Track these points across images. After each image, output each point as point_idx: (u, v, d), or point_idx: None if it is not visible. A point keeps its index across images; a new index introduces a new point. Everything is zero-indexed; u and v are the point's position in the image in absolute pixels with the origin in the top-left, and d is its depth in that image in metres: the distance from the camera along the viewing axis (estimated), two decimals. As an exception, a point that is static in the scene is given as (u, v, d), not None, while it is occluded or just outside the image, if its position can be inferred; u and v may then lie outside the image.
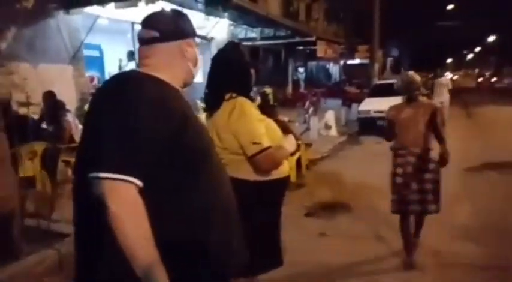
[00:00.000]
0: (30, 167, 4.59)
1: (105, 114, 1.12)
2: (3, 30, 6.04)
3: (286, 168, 2.07)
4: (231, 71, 2.01)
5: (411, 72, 3.38)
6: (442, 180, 3.19)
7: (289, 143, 2.04)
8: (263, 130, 1.91)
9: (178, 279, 1.11)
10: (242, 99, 1.95)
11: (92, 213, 1.11)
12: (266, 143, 1.88)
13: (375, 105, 9.93)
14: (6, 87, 4.22)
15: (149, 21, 1.29)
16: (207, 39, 11.32)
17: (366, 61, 18.89)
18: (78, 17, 7.62)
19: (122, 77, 1.27)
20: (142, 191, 1.09)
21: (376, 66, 15.51)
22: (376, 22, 14.73)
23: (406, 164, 3.17)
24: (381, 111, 9.22)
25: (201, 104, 9.71)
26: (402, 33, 30.68)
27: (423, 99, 3.68)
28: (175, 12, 1.36)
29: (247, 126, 1.87)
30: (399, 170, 3.19)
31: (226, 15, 10.81)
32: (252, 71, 2.08)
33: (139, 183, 1.08)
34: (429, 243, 3.53)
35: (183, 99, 1.28)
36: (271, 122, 2.06)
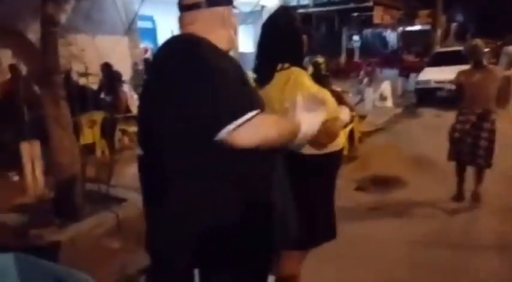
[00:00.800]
0: (90, 135, 4.84)
1: (179, 77, 1.11)
2: (62, 3, 6.25)
3: (341, 141, 1.97)
4: (281, 39, 1.86)
5: (477, 40, 3.70)
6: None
7: (344, 114, 1.91)
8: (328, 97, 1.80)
9: (238, 245, 1.15)
10: (296, 70, 1.82)
11: (161, 185, 1.17)
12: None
13: (436, 75, 9.29)
14: (66, 58, 4.43)
15: None
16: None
17: (427, 27, 17.65)
18: (132, -12, 7.75)
19: (176, 40, 1.24)
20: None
21: (439, 33, 14.46)
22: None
23: (466, 121, 3.68)
24: (442, 82, 8.65)
25: (252, 75, 9.60)
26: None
27: (491, 66, 3.93)
28: None
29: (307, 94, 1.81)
30: (458, 126, 3.73)
31: (278, -19, 10.46)
32: (305, 37, 1.92)
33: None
34: (495, 227, 3.33)
35: (235, 60, 1.26)
36: (326, 93, 1.93)
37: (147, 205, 1.28)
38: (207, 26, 1.26)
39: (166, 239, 1.19)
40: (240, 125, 1.06)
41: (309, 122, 1.27)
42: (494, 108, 3.61)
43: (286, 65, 1.82)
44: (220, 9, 1.27)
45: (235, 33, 1.35)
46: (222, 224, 1.13)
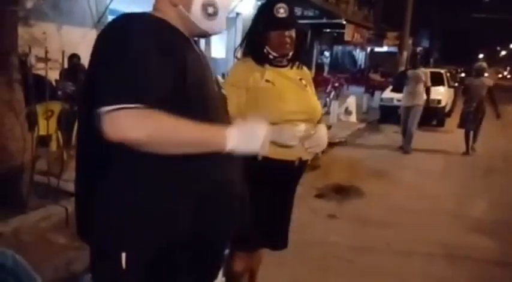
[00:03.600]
0: (46, 126, 4.61)
1: (97, 49, 1.03)
2: (30, -11, 6.02)
3: (293, 152, 1.74)
4: (249, 29, 1.91)
5: (483, 63, 7.29)
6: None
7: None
8: (231, 97, 1.46)
9: (165, 233, 1.05)
10: (239, 61, 1.89)
11: (93, 159, 1.08)
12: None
13: (399, 94, 9.63)
14: (25, 41, 4.21)
15: None
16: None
17: (394, 50, 18.31)
18: (104, -20, 7.56)
19: (121, 17, 1.11)
20: None
21: (405, 55, 15.01)
22: (409, 8, 14.18)
23: (469, 108, 6.81)
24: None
25: (221, 81, 9.58)
26: (434, 22, 29.64)
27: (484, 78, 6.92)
28: None
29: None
30: (466, 109, 6.90)
31: (254, -10, 10.56)
32: (275, 34, 1.79)
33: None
34: (443, 236, 3.48)
35: (188, 44, 1.14)
36: (283, 94, 1.78)
37: (80, 181, 1.19)
38: (161, 4, 1.14)
39: (97, 217, 1.09)
40: (116, 109, 0.91)
41: (242, 141, 1.07)
42: (484, 103, 6.79)
43: (239, 54, 1.92)
44: None
45: (187, 9, 1.12)
46: (153, 208, 1.03)
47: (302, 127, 1.73)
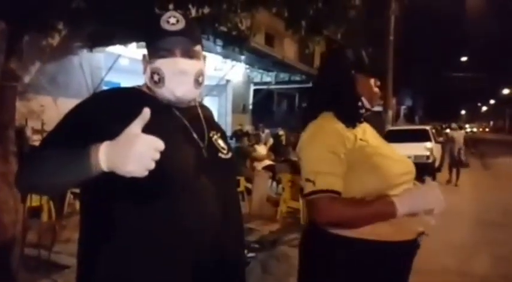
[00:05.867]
0: (37, 197, 4.56)
1: None
2: (28, 65, 6.29)
3: (412, 226, 1.34)
4: (327, 83, 1.46)
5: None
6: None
7: (408, 199, 1.28)
8: (330, 166, 1.30)
9: None
10: (321, 120, 1.40)
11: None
12: (322, 183, 1.27)
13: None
14: (22, 114, 4.32)
15: None
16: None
17: (378, 109, 18.94)
18: (100, 56, 7.94)
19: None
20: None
21: (390, 114, 15.53)
22: (390, 70, 14.95)
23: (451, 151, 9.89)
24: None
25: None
26: (416, 82, 31.02)
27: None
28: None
29: (308, 155, 1.35)
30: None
31: (243, 59, 11.13)
32: (371, 81, 1.45)
33: None
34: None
35: (161, 110, 1.11)
36: (388, 155, 1.39)
37: None
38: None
39: None
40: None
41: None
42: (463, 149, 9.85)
43: (325, 113, 1.41)
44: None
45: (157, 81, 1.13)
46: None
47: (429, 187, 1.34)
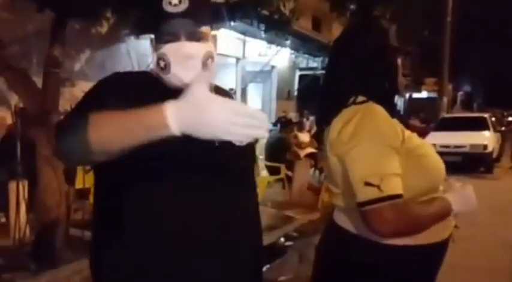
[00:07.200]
0: (82, 180, 4.76)
1: None
2: (78, 53, 6.55)
3: (446, 226, 1.21)
4: (358, 60, 1.20)
5: None
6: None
7: (460, 198, 1.20)
8: (393, 164, 1.08)
9: None
10: (371, 106, 1.15)
11: None
12: (389, 187, 1.05)
13: (442, 140, 9.25)
14: (68, 100, 4.53)
15: None
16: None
17: (433, 95, 17.99)
18: (146, 42, 8.06)
19: None
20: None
21: (445, 100, 14.67)
22: (446, 54, 14.05)
23: None
24: (448, 146, 8.62)
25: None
26: (475, 67, 29.06)
27: None
28: None
29: (365, 151, 1.08)
30: None
31: (288, 44, 10.90)
32: (399, 60, 1.26)
33: None
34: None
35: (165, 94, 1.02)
36: (431, 152, 1.22)
37: None
38: None
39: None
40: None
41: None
42: None
43: (361, 98, 1.17)
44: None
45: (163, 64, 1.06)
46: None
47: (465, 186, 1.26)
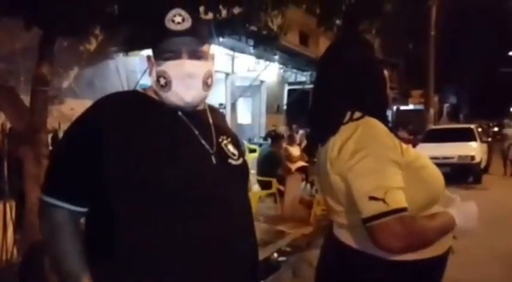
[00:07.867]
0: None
1: None
2: (66, 70, 6.52)
3: (445, 240, 1.18)
4: (346, 75, 1.21)
5: None
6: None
7: (463, 213, 1.18)
8: (397, 178, 1.07)
9: None
10: (370, 121, 1.15)
11: None
12: (394, 201, 1.04)
13: (430, 151, 9.30)
14: (56, 118, 4.48)
15: None
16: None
17: (420, 107, 18.25)
18: (135, 59, 8.10)
19: None
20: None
21: (432, 112, 14.89)
22: (431, 67, 14.34)
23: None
24: (437, 158, 8.70)
25: (248, 145, 9.74)
26: (460, 79, 29.65)
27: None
28: None
29: (368, 166, 1.07)
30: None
31: (277, 59, 11.02)
32: (386, 73, 1.27)
33: (70, 207, 1.02)
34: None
35: (163, 116, 1.07)
36: (428, 163, 1.22)
37: None
38: None
39: None
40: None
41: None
42: None
43: (357, 114, 1.17)
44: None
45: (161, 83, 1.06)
46: None
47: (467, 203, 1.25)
